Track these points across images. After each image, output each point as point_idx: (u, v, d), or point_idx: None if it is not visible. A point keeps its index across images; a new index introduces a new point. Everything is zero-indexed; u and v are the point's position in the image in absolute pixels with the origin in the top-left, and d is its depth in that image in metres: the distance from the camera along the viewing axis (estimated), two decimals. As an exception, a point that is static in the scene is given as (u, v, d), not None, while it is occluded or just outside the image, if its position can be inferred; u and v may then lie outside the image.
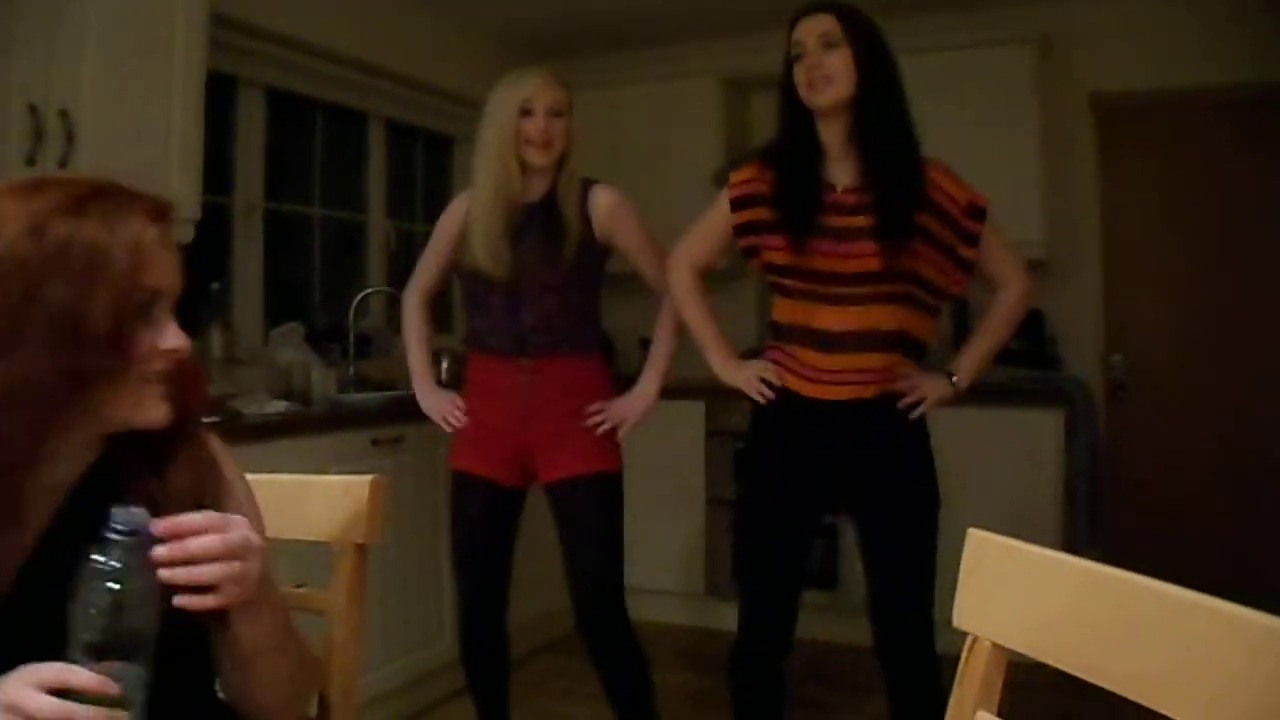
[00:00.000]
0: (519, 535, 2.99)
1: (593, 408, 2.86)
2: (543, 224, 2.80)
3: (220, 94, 3.82)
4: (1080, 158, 4.79)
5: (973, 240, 2.44)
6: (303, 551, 1.51)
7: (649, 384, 2.95)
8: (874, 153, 2.42)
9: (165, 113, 3.13)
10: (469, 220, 2.83)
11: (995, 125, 4.48)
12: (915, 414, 2.49)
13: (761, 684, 2.60)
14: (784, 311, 2.56)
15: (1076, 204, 4.76)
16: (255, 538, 1.10)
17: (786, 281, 2.52)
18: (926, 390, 2.49)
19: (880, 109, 2.41)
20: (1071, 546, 4.10)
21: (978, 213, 2.44)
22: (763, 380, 2.55)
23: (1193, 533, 4.59)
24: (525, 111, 2.74)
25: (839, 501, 2.64)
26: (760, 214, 2.53)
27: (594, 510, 2.85)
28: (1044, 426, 4.21)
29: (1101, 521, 4.29)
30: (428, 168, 5.29)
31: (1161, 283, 4.77)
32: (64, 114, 2.82)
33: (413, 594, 3.65)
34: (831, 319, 2.46)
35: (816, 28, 2.43)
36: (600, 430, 2.85)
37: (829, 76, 2.39)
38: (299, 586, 1.53)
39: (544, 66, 2.89)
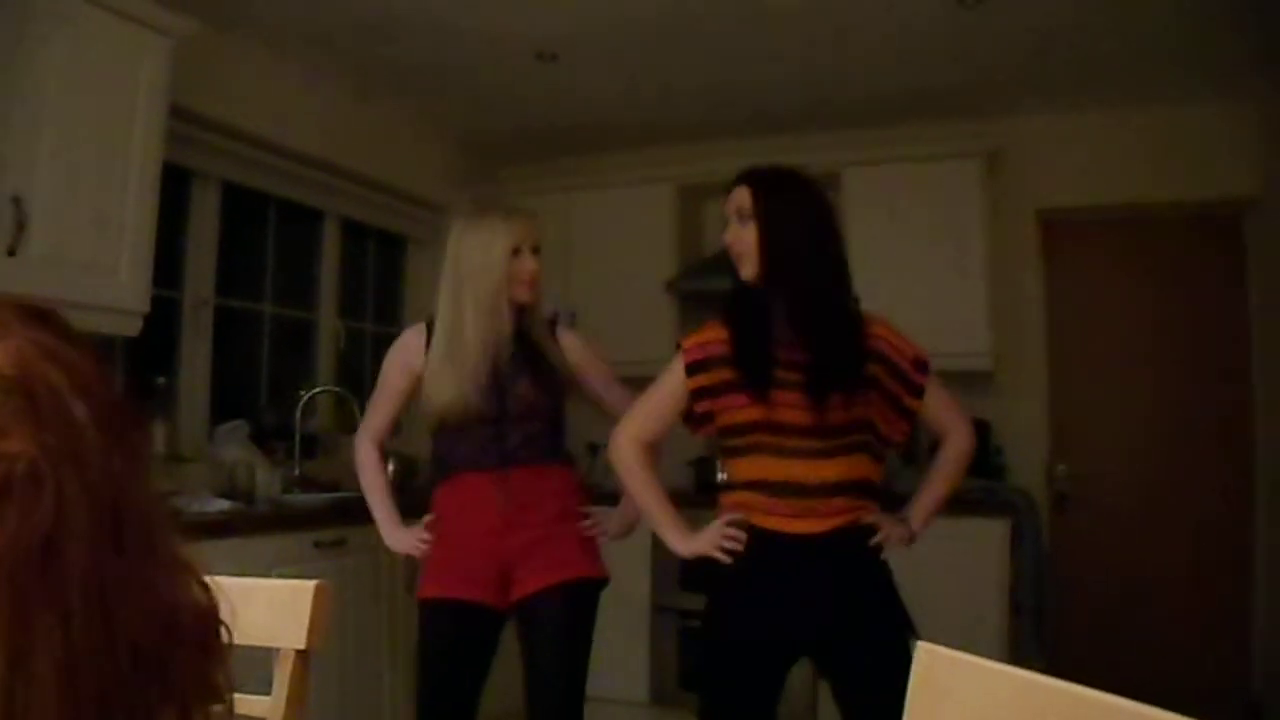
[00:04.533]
0: (493, 661, 2.85)
1: (588, 512, 2.88)
2: (530, 361, 2.81)
3: (175, 186, 3.81)
4: (1026, 270, 4.90)
5: (918, 393, 2.48)
6: (242, 656, 1.48)
7: (629, 509, 2.96)
8: (797, 320, 2.43)
9: (119, 203, 3.13)
10: (439, 363, 2.77)
11: (943, 237, 4.58)
12: (877, 546, 2.46)
13: None
14: (748, 469, 2.50)
15: (1022, 316, 4.85)
16: None
17: (753, 438, 2.48)
18: (889, 531, 2.48)
19: (794, 279, 2.43)
20: (1016, 656, 4.09)
21: (923, 366, 2.49)
22: (731, 526, 2.48)
23: (1135, 641, 4.61)
24: (516, 251, 2.75)
25: (812, 644, 2.50)
26: (722, 375, 2.49)
27: (564, 620, 2.76)
28: (989, 536, 4.22)
29: (1047, 631, 4.29)
30: (380, 267, 5.30)
31: (1106, 395, 4.85)
32: (17, 200, 2.81)
33: (351, 700, 3.56)
34: (786, 470, 2.43)
35: (734, 201, 2.48)
36: (590, 532, 2.86)
37: (741, 253, 2.45)
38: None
39: (519, 209, 2.92)
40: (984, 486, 4.41)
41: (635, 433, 2.59)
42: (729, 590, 2.53)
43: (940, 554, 4.11)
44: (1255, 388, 4.61)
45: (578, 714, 2.77)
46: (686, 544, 2.54)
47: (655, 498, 2.58)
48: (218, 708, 0.92)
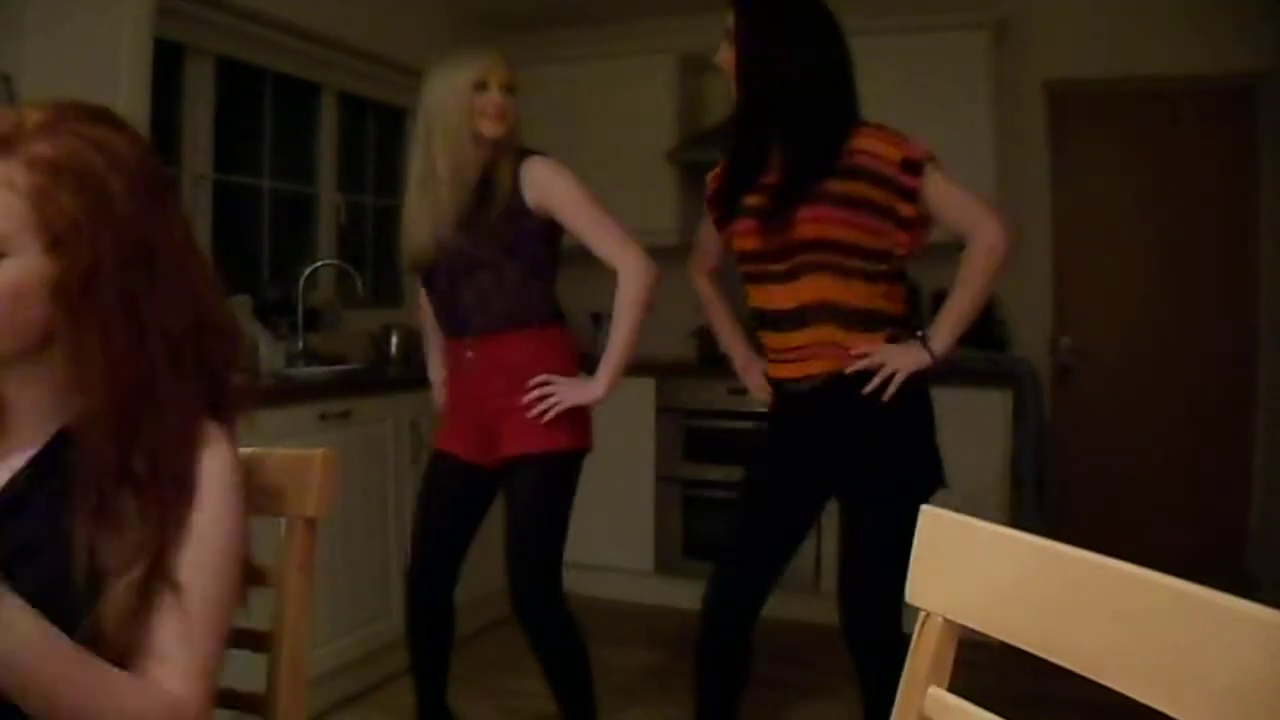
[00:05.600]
0: (484, 519, 2.96)
1: (535, 380, 2.73)
2: (475, 199, 2.73)
3: (168, 62, 3.74)
4: (1033, 142, 4.82)
5: (909, 196, 2.36)
6: (251, 525, 1.50)
7: (600, 382, 2.74)
8: (783, 137, 2.43)
9: (111, 80, 3.07)
10: (415, 202, 2.77)
11: (949, 109, 4.50)
12: (888, 393, 2.37)
13: (731, 647, 2.55)
14: (747, 296, 2.60)
15: (1029, 188, 4.79)
16: None
17: (739, 266, 2.57)
18: (896, 363, 2.38)
19: (766, 98, 2.42)
20: (1018, 527, 4.14)
21: (913, 166, 2.36)
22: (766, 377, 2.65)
23: (1134, 513, 4.67)
24: (480, 86, 2.70)
25: (833, 481, 2.54)
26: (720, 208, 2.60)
27: (532, 490, 2.78)
28: (992, 407, 4.24)
29: (1048, 503, 4.34)
30: (379, 140, 5.23)
31: (1110, 269, 4.83)
32: (6, 79, 2.76)
33: (360, 570, 3.63)
34: (764, 297, 2.50)
35: (726, 23, 2.48)
36: (535, 412, 2.72)
37: (726, 75, 2.48)
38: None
39: (488, 47, 2.85)
40: (987, 357, 4.42)
41: (695, 265, 2.84)
42: (767, 438, 2.66)
43: (942, 425, 4.14)
44: (1261, 262, 4.58)
45: (548, 580, 2.83)
46: (742, 374, 2.83)
47: (724, 326, 2.86)
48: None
